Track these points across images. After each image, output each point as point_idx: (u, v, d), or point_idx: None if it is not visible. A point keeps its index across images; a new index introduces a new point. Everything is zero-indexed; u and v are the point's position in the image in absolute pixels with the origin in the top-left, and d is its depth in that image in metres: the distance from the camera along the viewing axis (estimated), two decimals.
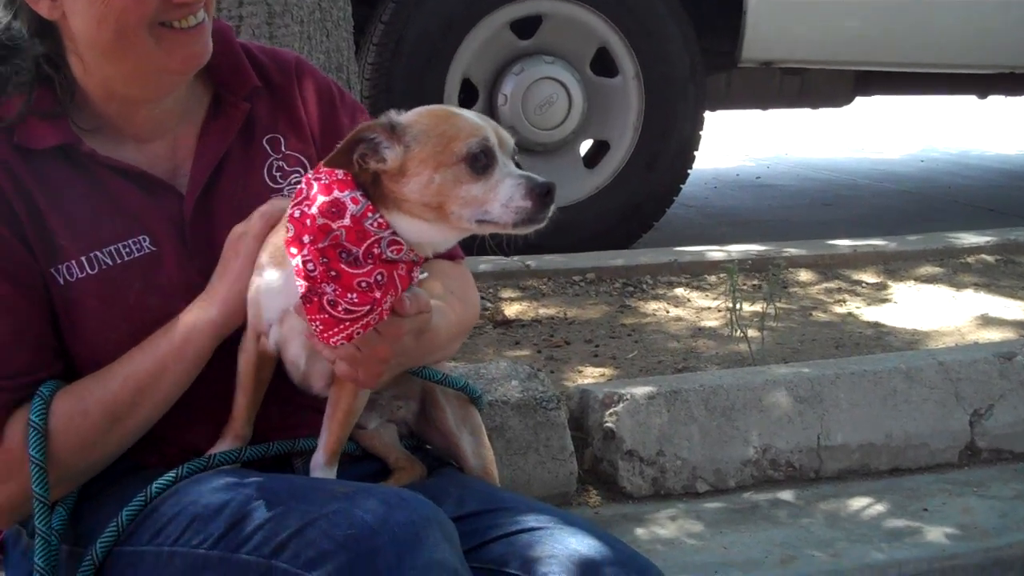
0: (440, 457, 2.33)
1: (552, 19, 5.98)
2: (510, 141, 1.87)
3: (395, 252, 1.85)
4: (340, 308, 1.83)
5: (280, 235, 1.92)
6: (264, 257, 1.97)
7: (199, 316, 2.01)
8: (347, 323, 1.84)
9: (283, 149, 2.21)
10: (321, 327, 1.85)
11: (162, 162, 2.14)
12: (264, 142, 2.21)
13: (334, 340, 1.86)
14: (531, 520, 2.04)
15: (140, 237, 2.06)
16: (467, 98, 5.96)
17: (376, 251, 1.84)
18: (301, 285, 1.84)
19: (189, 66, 2.06)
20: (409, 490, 1.94)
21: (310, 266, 1.83)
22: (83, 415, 1.98)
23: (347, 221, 1.82)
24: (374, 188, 1.85)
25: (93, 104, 2.08)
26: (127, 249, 2.05)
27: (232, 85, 2.19)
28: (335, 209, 1.82)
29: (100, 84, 2.06)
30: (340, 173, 1.85)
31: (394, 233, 1.85)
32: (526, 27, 6.01)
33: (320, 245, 1.82)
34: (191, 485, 1.98)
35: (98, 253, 2.04)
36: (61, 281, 2.02)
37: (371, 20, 5.72)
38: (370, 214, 1.83)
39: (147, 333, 2.03)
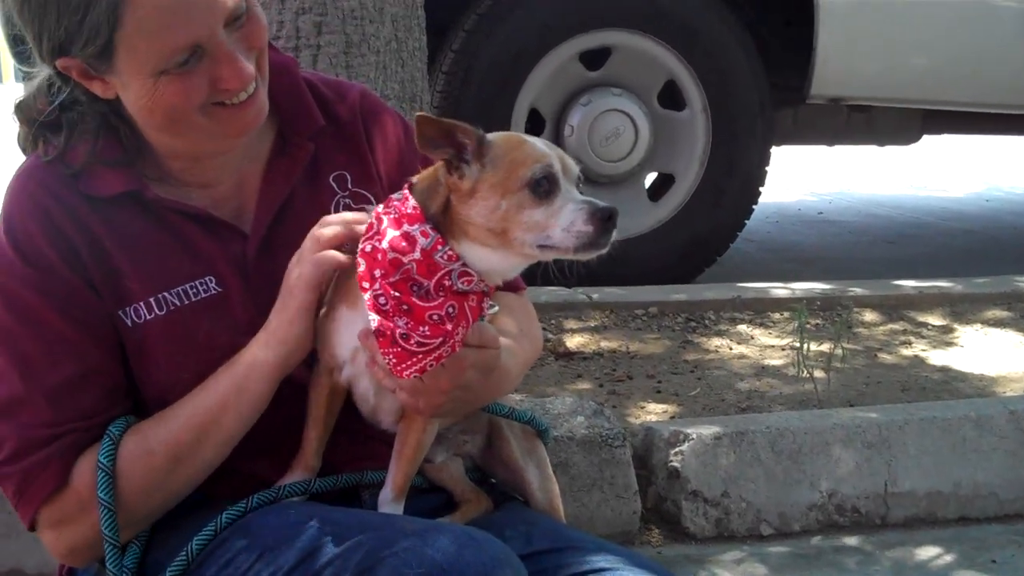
0: (506, 491, 2.32)
1: (621, 51, 5.98)
2: (575, 168, 1.88)
3: (466, 283, 1.87)
4: (412, 341, 1.84)
5: (354, 275, 1.93)
6: (338, 295, 1.98)
7: (258, 356, 2.01)
8: (420, 355, 1.85)
9: (349, 186, 2.21)
10: (394, 360, 1.86)
11: (227, 202, 2.15)
12: (331, 179, 2.21)
13: (407, 373, 1.87)
14: (600, 560, 2.02)
15: (207, 278, 2.08)
16: (534, 128, 5.97)
17: (447, 283, 1.85)
18: (373, 320, 1.85)
19: (246, 132, 2.07)
20: (480, 530, 1.93)
21: (381, 300, 1.84)
22: (148, 455, 1.99)
23: (417, 255, 1.84)
24: (442, 219, 1.86)
25: (158, 157, 2.10)
26: (194, 290, 2.07)
27: (297, 124, 2.20)
28: (405, 243, 1.84)
29: (161, 148, 2.08)
30: (410, 207, 1.87)
31: (464, 264, 1.86)
32: (595, 58, 6.00)
33: (391, 279, 1.84)
34: (260, 516, 1.98)
35: (166, 294, 2.05)
36: (129, 323, 2.03)
37: (441, 49, 5.75)
38: (440, 247, 1.84)
39: (208, 372, 2.04)
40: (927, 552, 3.27)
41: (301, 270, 1.98)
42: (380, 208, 1.92)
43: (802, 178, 11.36)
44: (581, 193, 1.86)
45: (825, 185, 11.25)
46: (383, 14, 3.87)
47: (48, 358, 1.98)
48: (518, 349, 2.18)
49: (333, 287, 2.00)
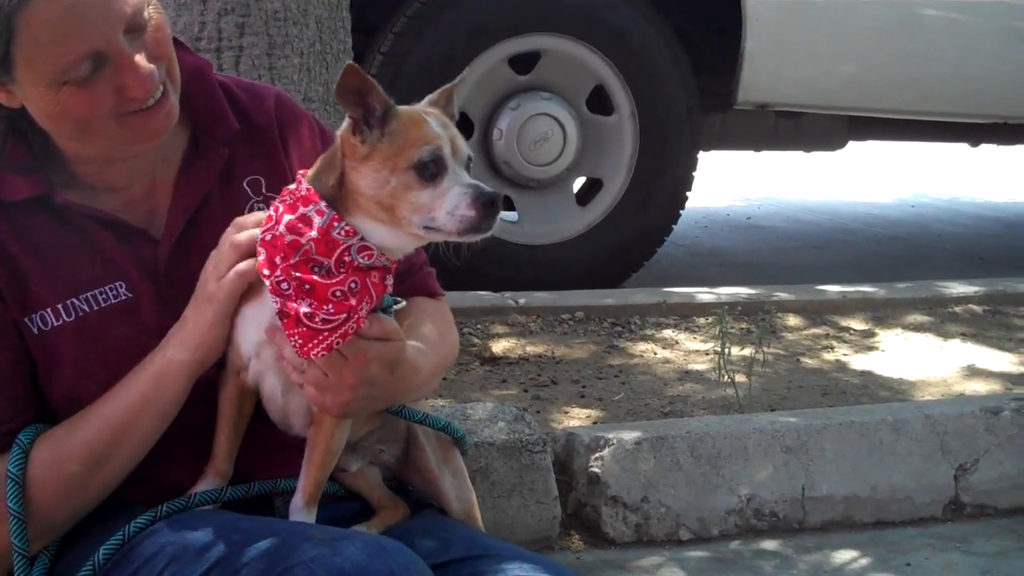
0: (423, 500, 2.32)
1: (550, 56, 5.99)
2: (465, 150, 1.91)
3: (366, 258, 1.90)
4: (317, 319, 1.86)
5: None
6: (247, 294, 1.98)
7: (173, 358, 1.99)
8: (325, 333, 1.87)
9: (264, 191, 2.20)
10: (300, 341, 1.88)
11: (139, 206, 2.13)
12: (245, 184, 2.20)
13: (314, 353, 1.88)
14: (516, 568, 2.03)
15: (117, 283, 2.06)
16: (462, 131, 5.95)
17: (347, 259, 1.88)
18: (276, 301, 1.87)
19: (156, 137, 2.05)
20: (390, 538, 1.93)
21: (284, 285, 1.86)
22: (61, 462, 1.97)
23: (315, 233, 1.86)
24: (337, 194, 1.89)
25: (67, 162, 2.07)
26: (103, 296, 2.05)
27: (211, 128, 2.18)
28: (302, 224, 1.87)
29: (72, 153, 2.06)
30: (303, 190, 1.89)
31: (363, 239, 1.89)
32: (524, 63, 6.01)
33: (292, 261, 1.86)
34: (170, 525, 1.97)
35: (75, 300, 2.03)
36: (35, 330, 2.01)
37: (370, 50, 5.73)
38: (336, 223, 1.87)
39: (120, 375, 2.03)
40: (844, 556, 3.30)
41: (222, 280, 1.96)
42: (276, 200, 1.94)
43: (731, 184, 11.45)
44: (470, 175, 1.88)
45: (754, 191, 11.35)
46: (307, 16, 3.84)
47: None
48: (431, 350, 2.18)
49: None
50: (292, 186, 1.94)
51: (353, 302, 1.88)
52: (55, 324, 2.02)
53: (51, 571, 2.03)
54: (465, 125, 5.96)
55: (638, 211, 6.13)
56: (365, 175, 1.86)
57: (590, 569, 3.09)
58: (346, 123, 1.89)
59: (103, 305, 2.05)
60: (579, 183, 6.51)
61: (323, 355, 1.89)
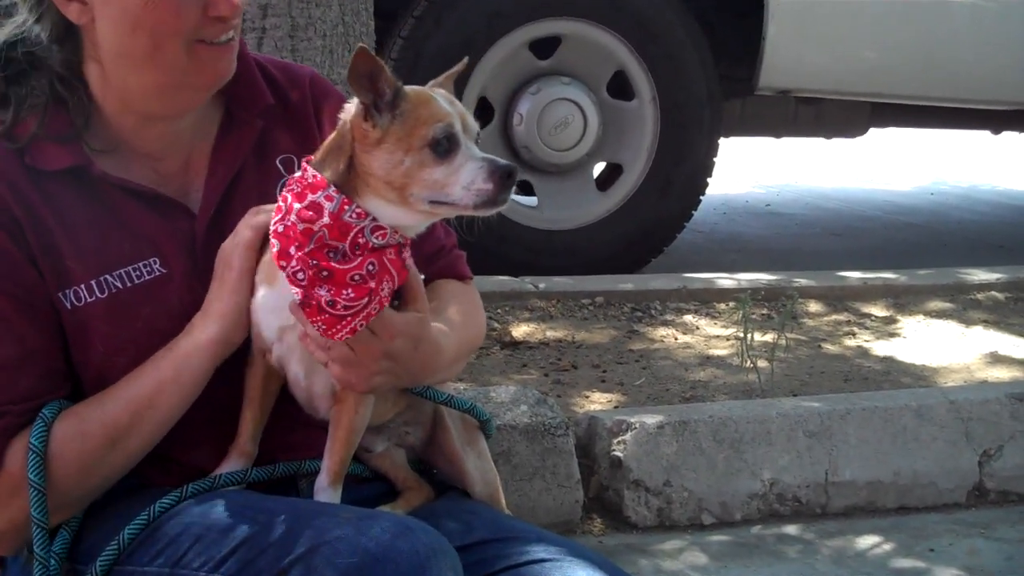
0: (447, 482, 2.31)
1: (571, 40, 5.98)
2: (474, 126, 1.91)
3: (380, 238, 1.89)
4: (339, 306, 1.86)
5: (268, 253, 1.95)
6: (258, 276, 1.98)
7: (198, 336, 1.99)
8: (348, 318, 1.87)
9: (296, 169, 2.19)
10: (324, 327, 1.88)
11: (174, 180, 2.12)
12: (278, 162, 2.19)
13: (338, 336, 1.88)
14: (540, 551, 2.01)
15: (151, 260, 2.04)
16: (482, 116, 5.95)
17: (362, 241, 1.87)
18: (296, 292, 1.86)
19: (215, 82, 2.04)
20: (416, 519, 1.92)
21: (300, 275, 1.86)
22: (82, 438, 1.96)
23: (327, 219, 1.85)
24: (346, 178, 1.88)
25: (107, 121, 2.06)
26: (137, 272, 2.04)
27: (245, 102, 2.17)
28: (312, 212, 1.86)
29: (118, 97, 2.04)
30: (310, 177, 1.88)
31: (375, 219, 1.88)
32: (545, 47, 5.99)
33: (307, 249, 1.85)
34: (195, 506, 1.96)
35: (108, 276, 2.01)
36: (68, 306, 1.99)
37: (390, 34, 5.72)
38: (347, 207, 1.86)
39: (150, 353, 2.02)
40: (866, 541, 3.29)
41: (236, 239, 1.98)
42: (281, 189, 1.94)
43: (751, 170, 11.42)
44: (480, 149, 1.88)
45: (773, 177, 11.31)
46: None
47: None
48: (455, 332, 2.17)
49: (260, 272, 1.99)
50: (298, 174, 1.93)
51: (372, 284, 1.87)
52: (88, 300, 2.00)
53: (74, 549, 2.03)
54: (485, 110, 5.95)
55: (658, 197, 6.11)
56: (378, 157, 1.85)
57: (612, 553, 3.08)
58: (356, 108, 1.88)
59: (136, 282, 2.03)
60: (599, 168, 6.49)
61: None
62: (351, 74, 1.83)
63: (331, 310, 1.85)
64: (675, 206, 6.16)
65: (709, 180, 6.29)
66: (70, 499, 1.99)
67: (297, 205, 1.87)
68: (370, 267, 1.87)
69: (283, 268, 1.87)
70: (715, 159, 6.28)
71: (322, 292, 1.85)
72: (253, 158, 2.16)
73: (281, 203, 1.91)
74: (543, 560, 1.99)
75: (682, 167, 6.13)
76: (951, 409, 3.68)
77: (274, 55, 3.62)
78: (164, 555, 1.90)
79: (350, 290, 1.86)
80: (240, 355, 2.04)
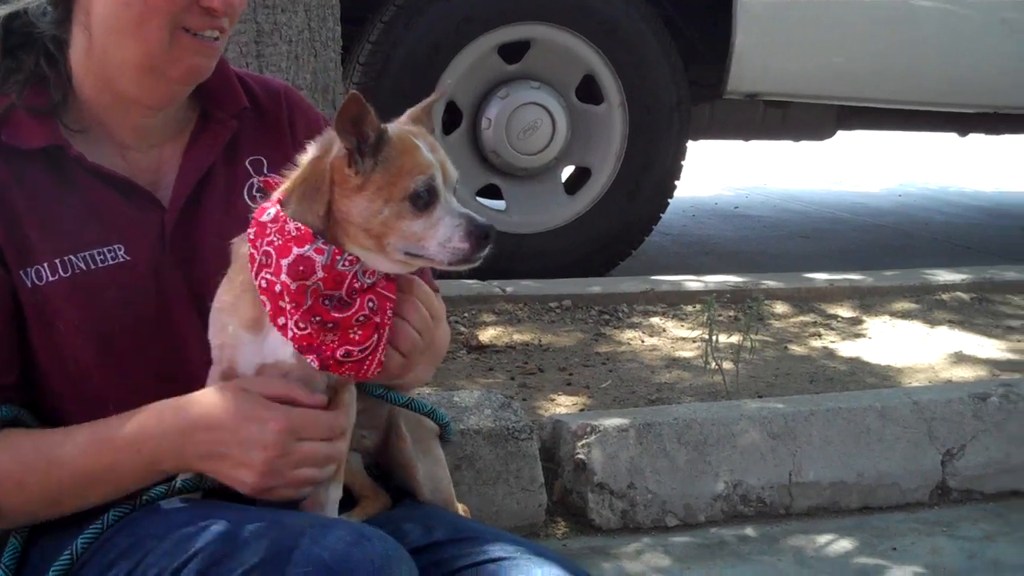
0: (402, 487, 2.32)
1: (540, 45, 5.99)
2: (454, 175, 1.89)
3: (371, 277, 1.88)
4: (356, 352, 1.87)
5: (236, 285, 1.93)
6: (235, 318, 1.95)
7: (166, 452, 1.94)
8: (368, 357, 1.88)
9: (264, 171, 2.19)
10: (353, 373, 1.89)
11: (145, 174, 2.13)
12: (247, 163, 2.20)
13: (372, 371, 1.90)
14: (498, 550, 2.02)
15: (116, 246, 2.05)
16: (451, 120, 5.96)
17: (357, 285, 1.86)
18: (313, 360, 1.86)
19: (190, 77, 2.07)
20: (372, 527, 1.91)
21: (300, 325, 1.85)
22: (20, 483, 1.94)
23: (321, 273, 1.84)
24: (326, 224, 1.86)
25: (83, 101, 2.08)
26: (101, 256, 2.03)
27: (221, 102, 2.19)
28: (303, 267, 1.84)
29: (97, 71, 2.06)
30: (293, 229, 1.85)
31: (363, 263, 1.87)
32: (514, 52, 6.01)
33: (306, 306, 1.84)
34: (148, 515, 1.94)
35: (72, 257, 2.01)
36: (30, 284, 1.99)
37: (358, 40, 5.72)
38: (339, 257, 1.84)
39: (118, 345, 2.01)
40: (828, 540, 3.31)
41: (277, 480, 1.92)
42: (251, 235, 1.90)
43: (720, 173, 11.46)
44: (458, 201, 1.87)
45: (742, 180, 11.36)
46: (296, 3, 3.84)
47: None
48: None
49: (229, 297, 1.97)
50: (267, 218, 1.88)
51: (378, 319, 1.88)
52: (50, 279, 2.00)
53: (24, 556, 2.02)
54: (453, 113, 5.96)
55: (626, 200, 6.13)
56: (358, 204, 1.83)
57: (575, 556, 3.09)
58: (337, 149, 1.85)
59: (100, 265, 2.03)
60: (568, 172, 6.50)
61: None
62: (339, 117, 1.81)
63: (349, 360, 1.87)
64: (643, 209, 6.19)
65: (677, 183, 6.32)
66: (11, 520, 1.98)
67: (284, 262, 1.84)
68: (370, 304, 1.87)
69: (282, 328, 1.86)
70: (683, 163, 6.31)
71: (328, 341, 1.85)
72: (224, 157, 2.18)
73: (255, 251, 1.87)
74: (501, 559, 2.00)
75: (650, 171, 6.16)
76: (914, 409, 3.71)
77: (239, 61, 3.62)
78: (117, 566, 1.88)
79: (357, 331, 1.86)
80: (194, 365, 2.04)
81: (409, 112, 1.99)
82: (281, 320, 1.86)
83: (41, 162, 2.02)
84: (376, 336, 1.88)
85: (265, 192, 1.99)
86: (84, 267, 2.02)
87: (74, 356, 2.01)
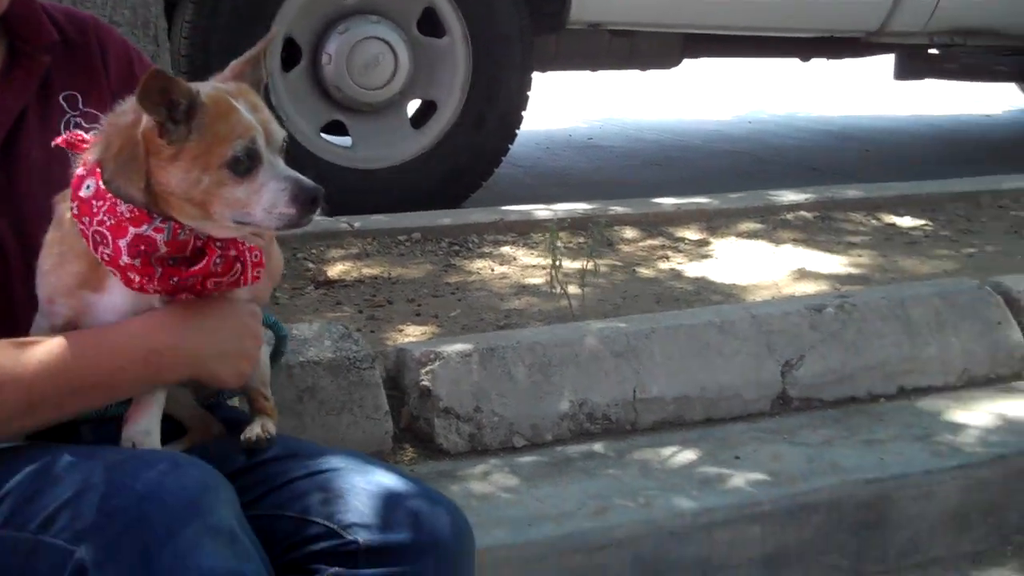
0: (238, 418, 2.29)
1: None
2: (279, 136, 1.83)
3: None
4: (225, 281, 1.86)
5: (61, 247, 1.89)
6: (70, 281, 1.89)
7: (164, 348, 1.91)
8: (241, 277, 1.88)
9: (80, 106, 2.14)
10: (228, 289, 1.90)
11: None
12: (61, 99, 2.13)
13: (252, 281, 1.90)
14: (326, 463, 2.03)
15: None
16: (290, 57, 5.85)
17: (200, 243, 1.82)
18: (186, 296, 1.86)
19: None
20: (188, 455, 1.89)
21: (161, 292, 1.84)
22: None
23: (163, 247, 1.80)
24: (150, 198, 1.80)
25: None
26: None
27: (29, 36, 2.11)
28: (144, 246, 1.79)
29: None
30: (124, 210, 1.79)
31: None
32: None
33: (158, 275, 1.80)
34: None
35: None
36: None
37: None
38: (179, 230, 1.80)
39: None
40: (673, 451, 3.37)
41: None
42: (75, 210, 1.84)
43: (574, 106, 11.51)
44: (285, 163, 1.82)
45: (596, 112, 11.42)
46: None
47: None
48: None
49: (56, 259, 1.91)
50: (88, 192, 1.81)
51: (233, 252, 1.84)
52: None
53: None
54: (292, 50, 5.85)
55: (473, 132, 6.11)
56: (175, 175, 1.76)
57: (422, 479, 3.08)
58: (148, 122, 1.78)
59: None
60: (415, 107, 6.45)
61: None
62: (140, 93, 1.73)
63: (223, 286, 1.87)
64: (491, 141, 6.18)
65: (524, 114, 6.32)
66: None
67: (122, 242, 1.78)
68: (218, 245, 1.83)
69: (143, 288, 1.82)
70: (529, 93, 6.30)
71: (191, 282, 1.83)
72: (37, 95, 2.10)
73: (84, 228, 1.81)
74: (326, 470, 2.00)
75: (496, 103, 6.14)
76: (753, 323, 3.78)
77: None
78: None
79: (218, 265, 1.83)
80: (21, 307, 1.99)
81: (231, 66, 1.92)
82: (137, 285, 1.82)
83: None
84: (239, 264, 1.85)
85: (72, 153, 1.91)
86: None
87: None
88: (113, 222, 1.79)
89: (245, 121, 1.78)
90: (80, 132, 1.94)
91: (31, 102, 2.10)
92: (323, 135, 6.04)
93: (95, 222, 1.80)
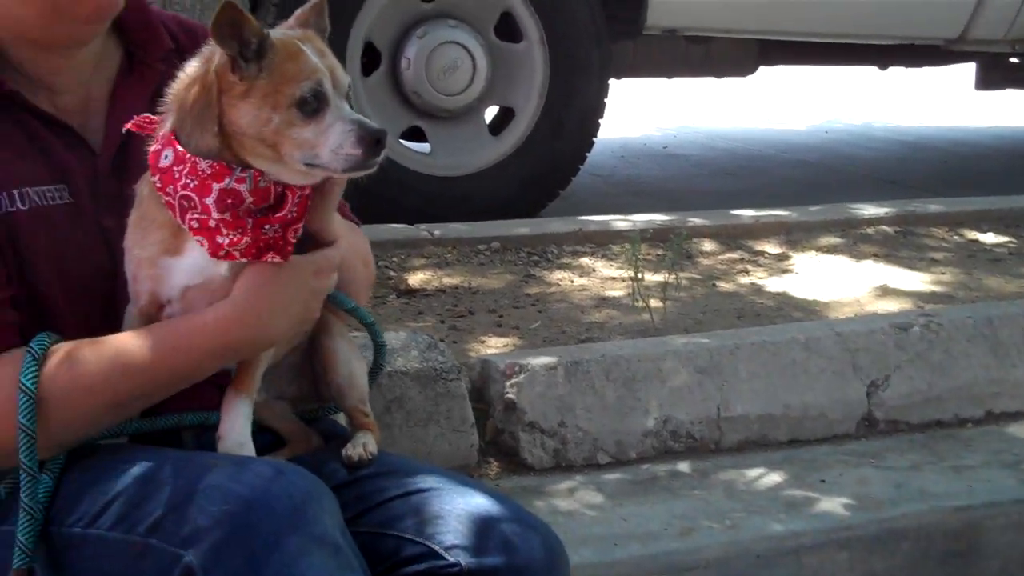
0: (333, 430, 2.30)
1: None
2: (345, 81, 1.86)
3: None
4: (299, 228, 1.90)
5: (142, 218, 1.93)
6: (155, 244, 1.92)
7: (238, 337, 1.94)
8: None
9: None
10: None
11: (74, 116, 2.09)
12: None
13: None
14: (423, 481, 2.04)
15: (60, 186, 2.02)
16: (370, 62, 5.87)
17: (279, 188, 1.86)
18: (273, 257, 1.88)
19: (95, 15, 2.01)
20: (290, 463, 1.92)
21: (251, 253, 1.87)
22: (89, 393, 1.90)
23: (249, 197, 1.83)
24: (224, 142, 1.84)
25: (5, 49, 2.02)
26: (50, 194, 2.01)
27: (146, 45, 2.15)
28: (231, 199, 1.83)
29: (11, 26, 2.00)
30: (205, 168, 1.83)
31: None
32: None
33: (250, 227, 1.84)
34: (70, 460, 1.93)
35: (28, 190, 1.98)
36: None
37: None
38: (259, 178, 1.84)
39: (72, 281, 2.00)
40: (758, 474, 3.33)
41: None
42: (158, 184, 1.87)
43: (649, 113, 11.46)
44: (351, 108, 1.84)
45: (671, 120, 11.37)
46: None
47: None
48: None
49: (139, 234, 1.94)
50: (167, 162, 1.86)
51: (308, 191, 1.90)
52: (9, 209, 1.96)
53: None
54: (372, 54, 5.87)
55: (551, 140, 6.09)
56: (246, 113, 1.80)
57: (508, 495, 3.07)
58: (220, 59, 1.82)
59: (51, 203, 2.00)
60: (492, 113, 6.44)
61: None
62: (214, 26, 1.76)
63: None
64: (568, 149, 6.14)
65: (601, 121, 6.28)
66: (60, 445, 1.93)
67: (209, 200, 1.82)
68: (297, 187, 1.88)
69: (227, 256, 1.86)
70: (606, 100, 6.26)
71: (271, 232, 1.87)
72: (150, 102, 2.11)
73: (170, 199, 1.85)
74: (428, 489, 2.01)
75: (573, 109, 6.11)
76: (838, 341, 3.73)
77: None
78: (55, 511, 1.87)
79: (294, 211, 1.87)
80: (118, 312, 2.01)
81: (296, 14, 1.95)
82: (223, 252, 1.85)
83: None
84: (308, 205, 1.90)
85: (146, 136, 1.95)
86: (39, 202, 1.99)
87: (38, 285, 1.98)
88: (196, 183, 1.83)
89: (313, 63, 1.81)
90: (148, 115, 1.97)
91: (145, 110, 2.12)
92: (402, 141, 6.04)
93: (179, 187, 1.84)
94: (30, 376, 1.86)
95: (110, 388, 1.90)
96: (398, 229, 5.04)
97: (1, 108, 2.00)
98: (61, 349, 1.91)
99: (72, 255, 2.01)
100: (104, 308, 2.04)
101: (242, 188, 1.82)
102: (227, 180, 1.82)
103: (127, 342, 1.91)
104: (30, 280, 1.98)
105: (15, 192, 1.97)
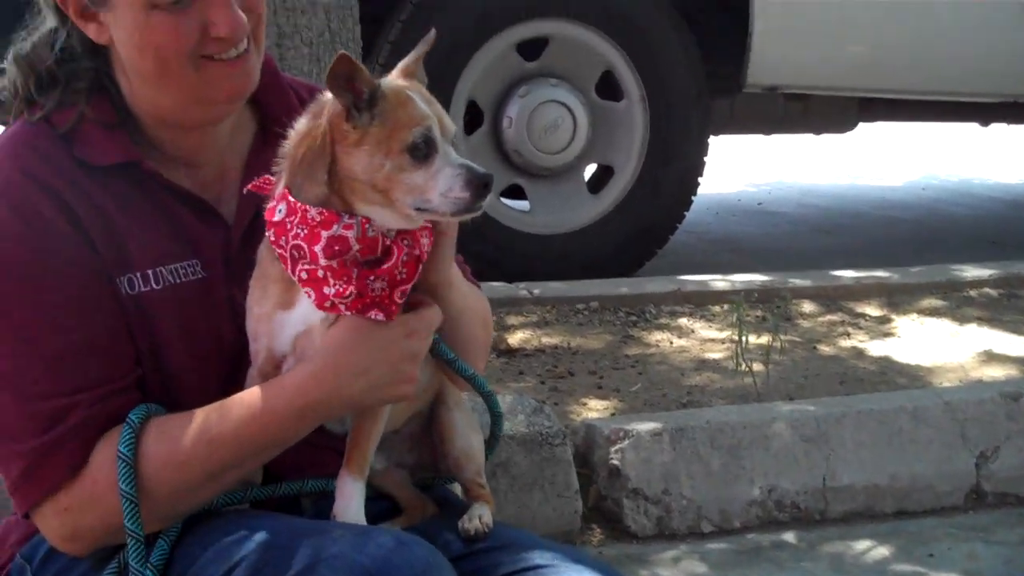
0: (448, 498, 2.30)
1: (558, 41, 5.96)
2: (452, 127, 1.90)
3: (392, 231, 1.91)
4: (409, 289, 1.92)
5: (262, 278, 1.96)
6: (265, 299, 1.96)
7: (323, 398, 1.94)
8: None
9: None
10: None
11: (210, 189, 2.13)
12: None
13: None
14: (538, 557, 2.02)
15: (193, 261, 2.06)
16: (472, 120, 5.93)
17: (389, 242, 1.88)
18: (376, 314, 1.89)
19: (233, 96, 2.05)
20: (411, 534, 1.92)
21: (355, 307, 1.88)
22: (181, 468, 1.92)
23: (356, 245, 1.86)
24: (334, 190, 1.87)
25: (146, 129, 2.07)
26: (183, 271, 2.05)
27: (279, 118, 2.15)
28: (338, 247, 1.86)
29: (149, 110, 2.05)
30: (315, 216, 1.86)
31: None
32: (532, 49, 5.97)
33: (355, 277, 1.86)
34: (195, 526, 1.95)
35: (161, 269, 2.02)
36: (124, 292, 1.98)
37: (378, 39, 5.69)
38: (367, 225, 1.86)
39: (200, 356, 2.03)
40: (865, 546, 3.29)
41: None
42: (271, 237, 1.91)
43: (743, 169, 11.42)
44: (457, 152, 1.87)
45: (765, 176, 11.31)
46: (315, 5, 3.86)
47: (48, 323, 1.92)
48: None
49: (258, 292, 1.97)
50: (280, 216, 1.89)
51: (417, 252, 1.91)
52: (142, 289, 2.00)
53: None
54: (474, 113, 5.93)
55: (650, 198, 6.09)
56: (360, 159, 1.85)
57: (612, 563, 3.06)
58: (334, 108, 1.86)
59: (183, 280, 2.04)
60: (591, 171, 6.47)
61: None
62: (329, 77, 1.82)
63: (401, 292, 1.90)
64: (667, 207, 6.15)
65: (700, 180, 6.28)
66: (166, 517, 1.95)
67: (318, 248, 1.86)
68: (405, 242, 1.90)
69: (332, 308, 1.88)
70: (706, 158, 6.26)
71: (377, 287, 1.88)
72: None
73: (282, 251, 1.88)
74: (539, 566, 2.00)
75: (673, 167, 6.12)
76: (946, 410, 3.67)
77: None
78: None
79: (403, 271, 1.89)
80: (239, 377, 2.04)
81: (400, 66, 2.00)
82: (328, 303, 1.88)
83: (119, 176, 2.02)
84: (421, 266, 1.92)
85: (262, 196, 1.98)
86: (172, 279, 2.03)
87: (166, 359, 2.01)
88: (306, 231, 1.86)
89: (422, 111, 1.85)
90: (267, 176, 2.00)
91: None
92: (502, 199, 6.10)
93: (291, 237, 1.88)
94: (127, 444, 1.89)
95: (199, 461, 1.92)
96: (498, 288, 5.07)
97: (141, 186, 2.04)
98: (154, 425, 1.94)
99: (201, 329, 2.04)
100: (228, 378, 2.06)
101: (350, 235, 1.85)
102: (335, 227, 1.85)
103: (211, 413, 1.94)
104: (159, 356, 2.01)
105: (149, 272, 2.01)
